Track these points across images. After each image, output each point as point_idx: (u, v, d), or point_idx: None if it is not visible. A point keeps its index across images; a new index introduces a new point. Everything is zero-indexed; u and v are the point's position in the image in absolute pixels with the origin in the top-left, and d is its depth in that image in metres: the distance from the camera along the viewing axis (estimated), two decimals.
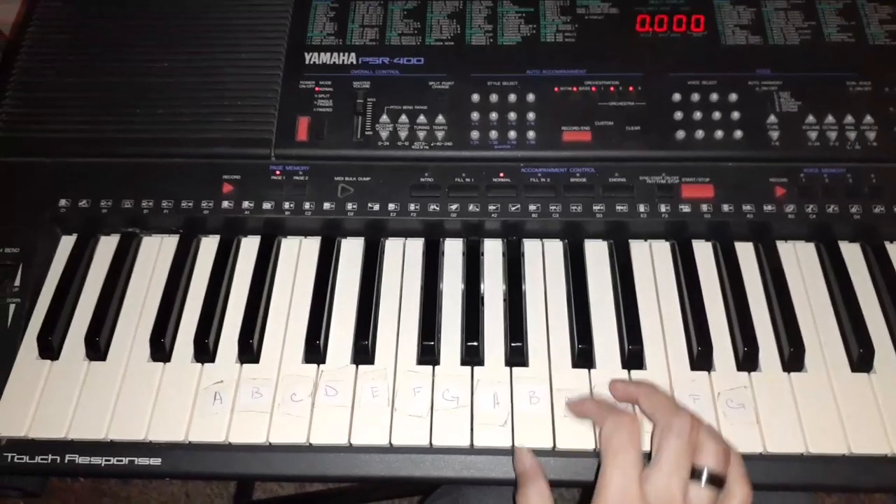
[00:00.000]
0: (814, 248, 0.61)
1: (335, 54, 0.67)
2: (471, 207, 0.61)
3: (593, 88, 0.65)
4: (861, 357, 0.55)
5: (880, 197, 0.61)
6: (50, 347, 0.57)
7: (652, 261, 0.61)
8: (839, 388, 0.54)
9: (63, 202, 0.63)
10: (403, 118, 0.64)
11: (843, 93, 0.64)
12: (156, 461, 0.53)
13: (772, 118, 0.63)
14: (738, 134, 0.63)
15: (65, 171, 0.64)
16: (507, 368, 0.55)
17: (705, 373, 0.55)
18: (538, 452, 0.52)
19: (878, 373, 0.55)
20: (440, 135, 0.63)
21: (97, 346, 0.57)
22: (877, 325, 0.57)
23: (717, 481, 0.45)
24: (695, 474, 0.45)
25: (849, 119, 0.63)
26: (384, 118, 0.64)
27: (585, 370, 0.55)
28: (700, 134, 0.63)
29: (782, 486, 0.52)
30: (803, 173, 0.62)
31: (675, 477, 0.45)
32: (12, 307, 0.59)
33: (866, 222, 0.60)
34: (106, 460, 0.53)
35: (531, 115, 0.64)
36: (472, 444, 0.52)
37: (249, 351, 0.56)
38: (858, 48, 0.67)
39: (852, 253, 0.61)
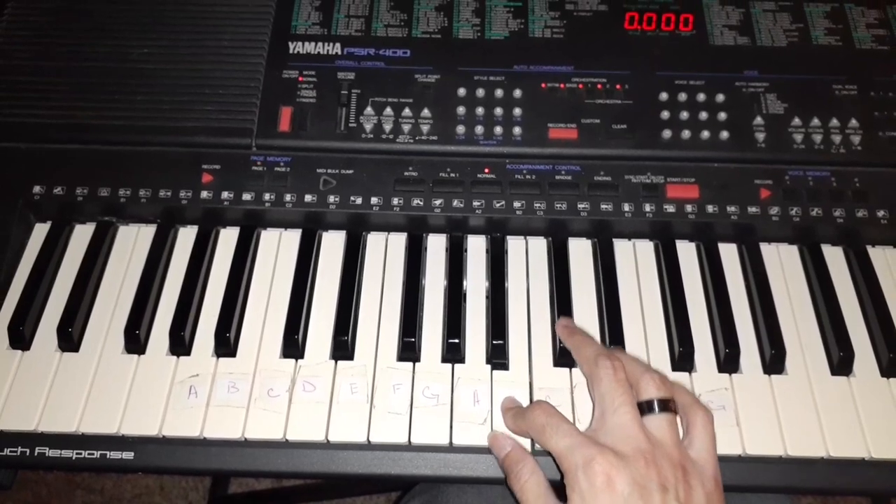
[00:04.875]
0: (797, 250, 0.61)
1: (320, 44, 0.66)
2: (455, 203, 0.60)
3: (580, 86, 0.65)
4: (841, 360, 0.55)
5: (864, 200, 0.61)
6: (21, 338, 0.56)
7: (635, 260, 0.61)
8: (819, 391, 0.54)
9: (37, 189, 0.61)
10: (388, 111, 0.63)
11: (830, 96, 0.64)
12: (128, 455, 0.52)
13: (758, 120, 0.63)
14: (725, 135, 0.63)
15: (40, 156, 0.63)
16: (488, 366, 0.55)
17: (686, 374, 0.55)
18: None
19: (857, 376, 0.55)
20: (425, 129, 0.63)
21: (70, 337, 0.55)
22: (857, 328, 0.57)
23: (667, 407, 0.46)
24: (646, 411, 0.46)
25: (834, 122, 0.63)
26: (369, 110, 0.63)
27: (567, 369, 0.55)
28: (686, 134, 0.63)
29: (761, 488, 0.52)
30: (788, 176, 0.62)
31: (620, 413, 0.45)
32: None
33: (849, 226, 0.60)
34: (77, 454, 0.52)
35: (517, 111, 0.63)
36: (451, 443, 0.51)
37: (226, 344, 0.55)
38: (845, 52, 0.67)
39: (835, 256, 0.61)
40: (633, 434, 0.44)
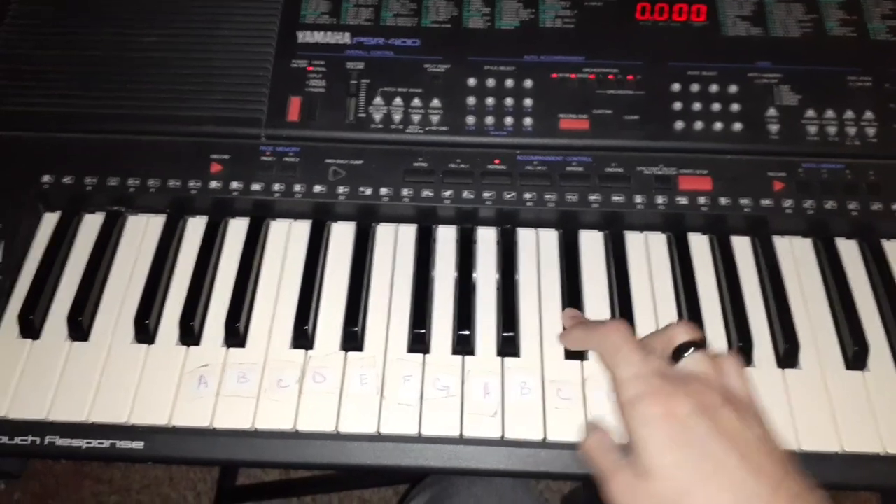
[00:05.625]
0: (811, 243, 0.61)
1: (329, 34, 0.66)
2: (465, 194, 0.60)
3: (592, 76, 0.64)
4: (856, 355, 0.54)
5: (878, 194, 0.60)
6: (31, 326, 0.55)
7: (647, 253, 0.60)
8: (833, 385, 0.54)
9: (46, 178, 0.61)
10: (398, 101, 0.63)
11: (844, 87, 0.64)
12: (138, 445, 0.52)
13: (771, 111, 0.63)
14: (737, 126, 0.62)
15: (49, 146, 0.62)
16: (499, 358, 0.54)
17: None
18: (528, 444, 0.51)
19: (872, 371, 0.54)
20: (435, 119, 0.62)
21: (80, 326, 0.55)
22: (872, 322, 0.56)
23: (701, 346, 0.46)
24: (680, 354, 0.46)
25: (849, 114, 0.62)
26: (378, 100, 0.63)
27: (578, 361, 0.54)
28: (699, 125, 0.62)
29: None
30: (802, 168, 0.61)
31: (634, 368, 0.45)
32: None
33: (863, 219, 0.59)
34: (87, 443, 0.52)
35: (528, 102, 0.63)
36: (461, 434, 0.51)
37: (236, 335, 0.55)
38: (860, 43, 0.66)
39: (849, 250, 0.60)
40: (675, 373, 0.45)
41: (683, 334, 0.47)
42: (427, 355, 0.54)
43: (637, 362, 0.45)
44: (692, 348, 0.46)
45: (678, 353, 0.46)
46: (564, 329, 0.55)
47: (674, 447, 0.41)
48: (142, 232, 0.61)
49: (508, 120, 0.62)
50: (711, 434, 0.41)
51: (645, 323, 0.56)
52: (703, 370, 0.45)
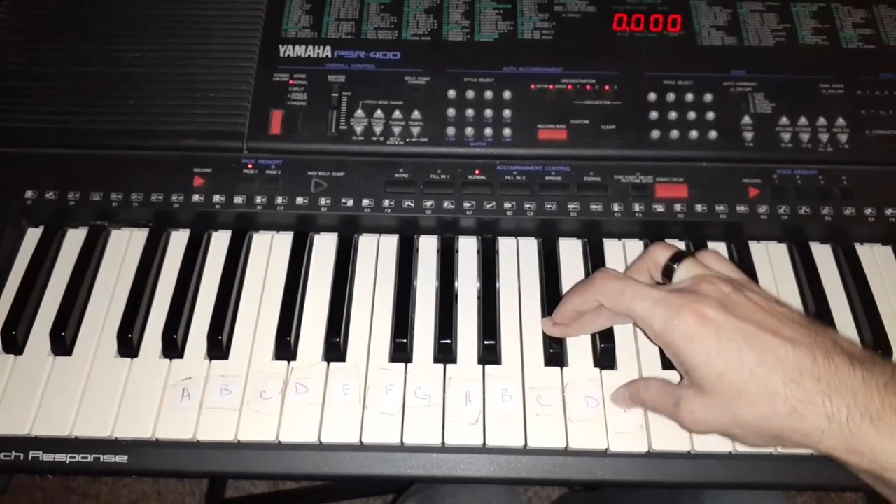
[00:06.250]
0: (786, 248, 0.62)
1: (310, 47, 0.67)
2: (446, 204, 0.61)
3: (569, 87, 0.65)
4: None
5: (851, 198, 0.61)
6: (14, 342, 0.56)
7: (625, 260, 0.61)
8: None
9: (30, 193, 0.61)
10: (379, 113, 0.64)
11: (817, 95, 0.65)
12: (122, 458, 0.52)
13: (746, 119, 0.64)
14: (713, 134, 0.63)
15: (32, 161, 0.63)
16: (480, 366, 0.55)
17: (676, 372, 0.55)
18: (509, 450, 0.51)
19: None
20: (416, 130, 0.63)
21: (63, 341, 0.55)
22: (846, 325, 0.57)
23: (683, 256, 0.50)
24: (671, 273, 0.49)
25: (821, 121, 0.64)
26: (359, 113, 0.64)
27: (558, 368, 0.55)
28: (675, 134, 0.63)
29: (754, 485, 0.53)
30: (776, 174, 0.62)
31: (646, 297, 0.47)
32: None
33: (837, 224, 0.61)
34: (71, 457, 0.52)
35: (507, 113, 0.64)
36: (443, 442, 0.52)
37: (219, 347, 0.55)
38: (832, 51, 0.67)
39: (823, 254, 0.61)
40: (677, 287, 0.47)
41: (663, 253, 0.50)
42: (409, 364, 0.55)
43: (647, 292, 0.47)
44: (677, 261, 0.49)
45: (668, 271, 0.49)
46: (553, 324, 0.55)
47: (719, 350, 0.43)
48: (125, 246, 0.62)
49: (488, 131, 0.63)
50: (741, 324, 0.43)
51: (623, 328, 0.57)
52: (697, 273, 0.47)
